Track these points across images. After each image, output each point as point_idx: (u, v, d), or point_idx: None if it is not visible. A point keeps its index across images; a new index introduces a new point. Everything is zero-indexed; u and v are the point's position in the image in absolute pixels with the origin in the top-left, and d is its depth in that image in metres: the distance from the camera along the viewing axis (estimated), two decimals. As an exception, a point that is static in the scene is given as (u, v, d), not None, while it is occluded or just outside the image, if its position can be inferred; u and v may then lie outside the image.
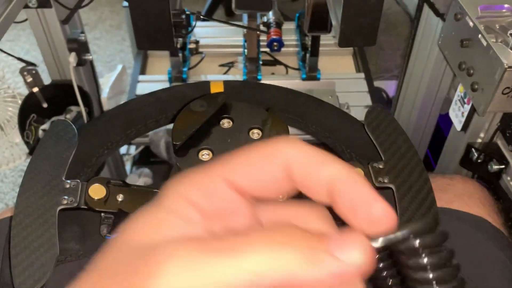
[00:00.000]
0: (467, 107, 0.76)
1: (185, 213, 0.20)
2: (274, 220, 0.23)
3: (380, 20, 0.66)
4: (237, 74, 1.30)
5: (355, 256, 0.18)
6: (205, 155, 0.41)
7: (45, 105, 0.91)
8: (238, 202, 0.21)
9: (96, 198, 0.42)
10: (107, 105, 1.05)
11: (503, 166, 0.78)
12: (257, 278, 0.17)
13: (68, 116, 0.90)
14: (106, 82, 1.10)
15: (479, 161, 0.80)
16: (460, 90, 0.76)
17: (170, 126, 0.61)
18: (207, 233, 0.20)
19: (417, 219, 0.42)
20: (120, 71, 1.14)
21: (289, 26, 1.37)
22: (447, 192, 0.58)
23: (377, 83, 1.61)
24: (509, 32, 0.58)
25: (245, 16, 1.29)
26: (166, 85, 1.23)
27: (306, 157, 0.22)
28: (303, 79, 1.24)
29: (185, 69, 1.24)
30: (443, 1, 0.83)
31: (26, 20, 0.86)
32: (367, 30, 0.67)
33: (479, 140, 0.80)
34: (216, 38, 1.35)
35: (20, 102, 0.91)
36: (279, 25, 1.26)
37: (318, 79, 1.23)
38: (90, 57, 0.93)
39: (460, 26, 0.62)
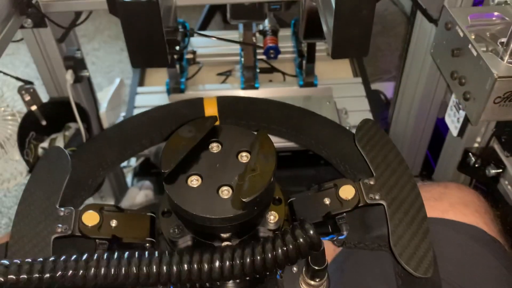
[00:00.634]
0: (463, 113, 0.76)
1: None
2: None
3: (371, 30, 0.66)
4: (235, 83, 1.31)
5: None
6: (194, 180, 0.41)
7: (43, 122, 0.92)
8: None
9: (89, 225, 0.42)
10: (105, 119, 1.05)
11: (500, 170, 0.78)
12: None
13: (66, 133, 0.91)
14: (104, 96, 1.11)
15: (476, 165, 0.81)
16: (455, 96, 0.76)
17: None
18: None
19: (409, 236, 0.42)
20: (118, 84, 1.15)
21: (285, 33, 1.37)
22: (442, 201, 0.59)
23: (375, 85, 1.61)
24: (499, 40, 0.58)
25: (241, 24, 1.29)
26: (165, 96, 1.24)
27: None
28: (301, 86, 1.24)
29: (183, 79, 1.24)
30: (436, 7, 0.83)
31: (22, 39, 0.87)
32: (359, 41, 0.67)
33: (476, 145, 0.81)
34: (213, 47, 1.36)
35: (19, 120, 0.92)
36: (275, 32, 1.26)
37: (316, 85, 1.23)
38: (87, 73, 0.93)
39: (451, 36, 0.62)
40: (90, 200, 1.18)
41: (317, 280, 0.43)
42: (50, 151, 0.48)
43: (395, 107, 1.14)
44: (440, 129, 1.11)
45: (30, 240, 0.41)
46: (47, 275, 0.31)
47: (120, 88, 1.16)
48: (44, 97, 0.95)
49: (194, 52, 1.32)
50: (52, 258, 0.33)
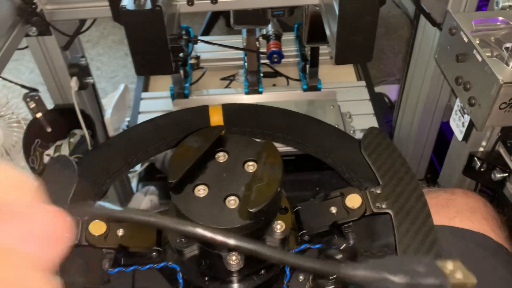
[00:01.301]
0: (467, 118, 0.76)
1: None
2: None
3: (375, 36, 0.66)
4: (238, 87, 1.31)
5: None
6: (201, 190, 0.41)
7: (49, 129, 0.92)
8: None
9: (96, 234, 0.42)
10: (110, 125, 1.06)
11: (506, 175, 0.77)
12: None
13: (72, 139, 0.91)
14: (109, 103, 1.11)
15: (482, 170, 0.80)
16: (459, 100, 0.76)
17: None
18: None
19: (416, 246, 0.42)
20: (122, 90, 1.15)
21: (289, 37, 1.37)
22: (449, 207, 0.58)
23: (379, 88, 1.61)
24: (504, 45, 0.58)
25: (244, 29, 1.29)
26: (169, 101, 1.24)
27: None
28: (304, 90, 1.24)
29: (187, 84, 1.25)
30: (439, 11, 0.83)
31: (27, 47, 0.87)
32: (363, 47, 0.67)
33: (481, 149, 0.80)
34: (217, 52, 1.36)
35: (24, 127, 0.93)
36: (278, 37, 1.26)
37: (319, 89, 1.23)
38: (92, 80, 0.94)
39: (455, 41, 0.62)
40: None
41: None
42: (56, 160, 0.49)
43: (399, 111, 1.14)
44: (445, 132, 1.11)
45: None
46: None
47: (125, 94, 1.16)
48: (49, 104, 0.95)
49: (198, 57, 1.33)
50: None
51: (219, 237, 0.24)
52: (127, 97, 1.19)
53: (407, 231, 0.43)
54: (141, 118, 1.24)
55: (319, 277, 0.44)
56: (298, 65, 1.34)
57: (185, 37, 0.71)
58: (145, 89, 1.34)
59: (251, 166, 0.43)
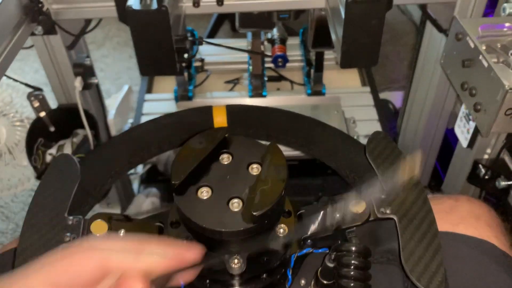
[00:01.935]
0: (473, 124, 0.76)
1: None
2: None
3: (381, 40, 0.66)
4: (242, 91, 1.31)
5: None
6: (204, 192, 0.41)
7: (52, 129, 0.92)
8: None
9: (98, 234, 0.42)
10: (113, 126, 1.06)
11: (510, 182, 0.77)
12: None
13: (74, 139, 0.91)
14: (112, 103, 1.11)
15: (486, 177, 0.80)
16: (464, 107, 0.76)
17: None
18: None
19: (420, 252, 0.42)
20: (126, 91, 1.16)
21: (294, 42, 1.37)
22: (453, 214, 0.58)
23: (384, 95, 1.61)
24: (510, 51, 0.58)
25: (249, 32, 1.29)
26: (173, 103, 1.24)
27: (121, 250, 0.31)
28: (308, 95, 1.24)
29: (190, 87, 1.25)
30: (446, 17, 0.83)
31: (32, 46, 0.87)
32: (369, 50, 0.67)
33: (486, 156, 0.80)
34: (221, 55, 1.36)
35: (28, 126, 0.93)
36: (283, 41, 1.26)
37: (323, 94, 1.23)
38: (96, 80, 0.94)
39: (461, 46, 0.62)
40: (96, 207, 1.18)
41: None
42: (59, 159, 0.48)
43: (404, 117, 1.14)
44: (449, 139, 1.10)
45: (38, 249, 0.41)
46: None
47: (128, 95, 1.16)
48: (53, 104, 0.95)
49: (202, 60, 1.33)
50: None
51: None
52: (130, 99, 1.19)
53: (411, 237, 0.42)
54: (145, 120, 1.24)
55: (321, 282, 0.44)
56: (303, 70, 1.34)
57: (190, 38, 0.71)
58: (149, 90, 1.34)
59: (255, 169, 0.42)
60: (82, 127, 0.91)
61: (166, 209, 0.57)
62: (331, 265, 0.42)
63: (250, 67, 1.24)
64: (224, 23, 1.87)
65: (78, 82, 0.88)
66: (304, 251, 0.45)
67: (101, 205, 1.19)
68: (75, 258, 0.31)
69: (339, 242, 0.42)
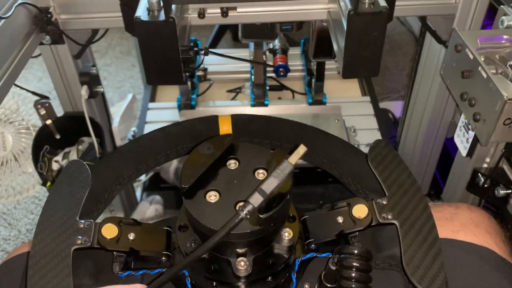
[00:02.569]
0: (472, 133, 0.77)
1: None
2: None
3: (382, 51, 0.68)
4: (244, 100, 1.33)
5: None
6: (212, 196, 0.42)
7: (58, 136, 0.93)
8: None
9: (108, 237, 0.43)
10: (118, 134, 1.07)
11: (510, 191, 0.78)
12: None
13: (80, 147, 0.93)
14: (117, 111, 1.13)
15: (485, 186, 0.81)
16: (464, 117, 0.77)
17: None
18: None
19: (421, 256, 0.43)
20: (130, 100, 1.17)
21: (295, 52, 1.39)
22: (453, 221, 0.59)
23: (383, 104, 1.62)
24: (508, 63, 0.59)
25: (251, 42, 1.31)
26: (176, 112, 1.26)
27: None
28: (309, 104, 1.25)
29: (193, 96, 1.26)
30: (445, 29, 0.85)
31: (39, 55, 0.89)
32: (370, 61, 0.68)
33: (485, 165, 0.81)
34: (224, 65, 1.38)
35: (34, 133, 0.94)
36: (285, 51, 1.28)
37: (324, 103, 1.25)
38: (101, 89, 0.95)
39: (460, 58, 0.63)
40: (101, 214, 1.19)
41: None
42: (71, 165, 0.50)
43: (404, 127, 1.15)
44: (449, 149, 1.12)
45: (51, 251, 0.42)
46: None
47: (132, 104, 1.18)
48: (59, 112, 0.97)
49: (205, 70, 1.35)
50: None
51: None
52: (134, 107, 1.21)
53: (412, 242, 0.44)
54: (148, 128, 1.26)
55: (324, 285, 0.45)
56: (304, 79, 1.36)
57: (195, 49, 0.73)
58: (152, 99, 1.36)
59: (261, 174, 0.44)
60: (88, 134, 0.93)
61: (171, 216, 0.58)
62: (334, 268, 0.43)
63: (252, 77, 1.25)
64: (226, 33, 1.89)
65: (84, 91, 0.90)
66: (308, 255, 0.47)
67: (104, 212, 1.20)
68: None
69: (346, 246, 0.43)
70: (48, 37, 0.81)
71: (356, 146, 1.18)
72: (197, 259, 0.39)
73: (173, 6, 0.67)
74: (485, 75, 0.58)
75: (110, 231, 0.43)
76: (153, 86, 1.39)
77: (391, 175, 0.49)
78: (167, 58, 0.68)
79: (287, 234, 0.45)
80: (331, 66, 1.35)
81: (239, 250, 0.43)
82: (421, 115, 1.04)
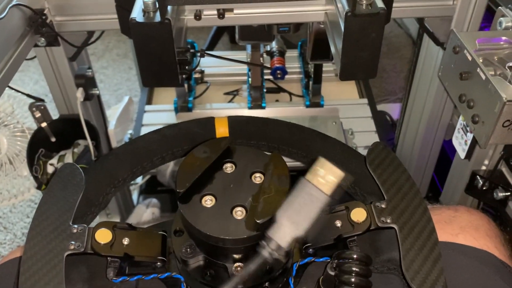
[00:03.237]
0: (470, 136, 0.77)
1: None
2: None
3: (380, 53, 0.67)
4: (241, 102, 1.32)
5: None
6: (208, 200, 0.41)
7: (53, 139, 0.92)
8: None
9: (102, 243, 0.42)
10: (114, 137, 1.06)
11: (508, 193, 0.77)
12: None
13: (75, 150, 0.92)
14: (113, 114, 1.12)
15: (484, 188, 0.80)
16: (462, 118, 0.77)
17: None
18: None
19: (421, 260, 0.42)
20: (126, 102, 1.16)
21: (293, 54, 1.39)
22: (452, 224, 0.58)
23: (381, 107, 1.62)
24: (507, 64, 0.59)
25: (249, 45, 1.31)
26: (172, 114, 1.25)
27: None
28: (307, 106, 1.25)
29: (190, 98, 1.26)
30: (443, 31, 0.85)
31: (34, 57, 0.88)
32: (368, 63, 0.68)
33: (484, 168, 0.81)
34: (221, 67, 1.38)
35: (29, 136, 0.93)
36: (282, 53, 1.28)
37: (322, 105, 1.25)
38: (97, 91, 0.95)
39: (459, 59, 0.63)
40: (96, 218, 1.18)
41: None
42: (64, 168, 0.49)
43: (402, 129, 1.15)
44: (447, 151, 1.12)
45: (43, 257, 0.41)
46: None
47: (129, 106, 1.17)
48: (54, 114, 0.96)
49: (202, 72, 1.34)
50: None
51: None
52: (131, 109, 1.20)
53: (411, 246, 0.43)
54: (144, 131, 1.25)
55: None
56: (301, 82, 1.35)
57: (192, 51, 0.72)
58: (149, 102, 1.35)
59: (258, 178, 0.43)
60: (83, 137, 0.92)
61: (168, 219, 0.57)
62: (332, 273, 0.42)
63: (250, 79, 1.25)
64: (223, 35, 1.89)
65: (79, 93, 0.89)
66: (306, 260, 0.46)
67: (100, 216, 1.19)
68: None
69: (345, 251, 0.43)
70: (43, 39, 0.80)
71: (354, 148, 1.17)
72: None
73: (169, 8, 0.66)
74: (483, 77, 0.57)
75: (104, 236, 0.43)
76: (149, 89, 1.38)
77: (390, 178, 0.48)
78: (163, 60, 0.67)
79: None
80: (329, 68, 1.34)
81: (236, 256, 0.42)
82: (419, 118, 1.04)
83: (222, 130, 0.64)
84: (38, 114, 0.89)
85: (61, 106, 0.94)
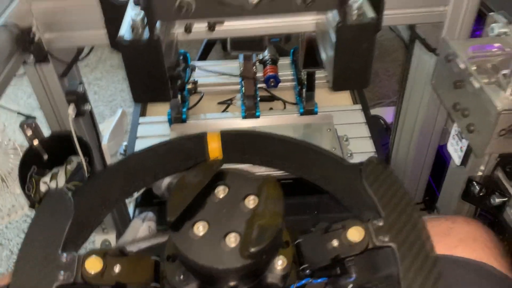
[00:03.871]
0: (465, 142, 0.76)
1: None
2: None
3: (372, 63, 0.67)
4: (235, 111, 1.31)
5: None
6: (200, 227, 0.40)
7: (45, 156, 0.91)
8: None
9: (92, 272, 0.41)
10: (107, 151, 1.05)
11: (505, 199, 0.77)
12: None
13: (68, 166, 0.90)
14: (106, 128, 1.11)
15: (481, 194, 0.80)
16: (457, 126, 0.76)
17: None
18: None
19: (420, 281, 0.41)
20: (119, 115, 1.15)
21: (285, 61, 1.39)
22: (450, 235, 0.58)
23: (375, 111, 1.62)
24: (501, 72, 0.59)
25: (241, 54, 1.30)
26: (166, 126, 1.24)
27: None
28: (301, 114, 1.24)
29: (184, 109, 1.25)
30: (435, 37, 0.84)
31: (24, 74, 0.87)
32: (360, 73, 0.67)
33: (480, 173, 0.80)
34: (214, 77, 1.37)
35: (21, 154, 0.92)
36: (274, 61, 1.27)
37: (316, 112, 1.24)
38: (89, 107, 0.94)
39: (452, 68, 0.62)
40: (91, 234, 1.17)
41: None
42: (52, 194, 0.48)
43: (396, 135, 1.14)
44: (443, 155, 1.11)
45: None
46: None
47: (122, 119, 1.16)
48: (46, 130, 0.95)
49: (195, 82, 1.33)
50: None
51: None
52: (124, 122, 1.19)
53: (411, 265, 0.42)
54: (139, 143, 1.24)
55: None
56: (295, 89, 1.34)
57: (183, 65, 0.71)
58: (143, 113, 1.34)
59: (251, 201, 0.42)
60: (76, 153, 0.91)
61: (163, 238, 0.56)
62: None
63: (243, 89, 1.24)
64: (216, 43, 1.88)
65: (71, 110, 0.88)
66: (303, 281, 0.45)
67: (96, 231, 1.17)
68: None
69: (338, 271, 0.42)
70: (32, 56, 0.79)
71: (349, 155, 1.17)
72: None
73: (158, 23, 0.65)
74: (477, 85, 0.57)
75: (94, 264, 0.42)
76: (143, 101, 1.37)
77: (386, 194, 0.48)
78: (153, 76, 0.66)
79: (280, 262, 0.43)
80: (322, 75, 1.34)
81: (231, 283, 0.41)
82: (413, 123, 1.03)
83: (214, 145, 0.63)
84: (29, 132, 0.88)
85: (53, 122, 0.93)
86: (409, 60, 0.98)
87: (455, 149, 0.79)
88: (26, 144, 0.94)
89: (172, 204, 0.40)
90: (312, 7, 0.57)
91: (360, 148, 1.18)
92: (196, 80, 1.33)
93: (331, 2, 0.58)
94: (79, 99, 0.89)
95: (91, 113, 1.00)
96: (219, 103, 1.35)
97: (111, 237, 1.17)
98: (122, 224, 1.17)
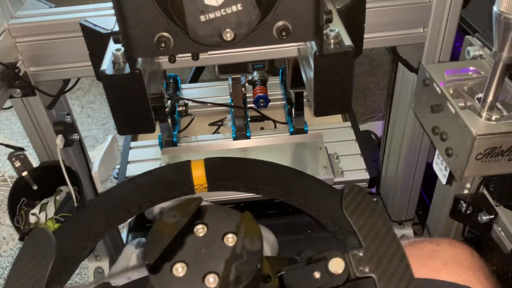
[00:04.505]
0: (450, 162, 0.77)
1: None
2: None
3: (352, 89, 0.68)
4: (227, 132, 1.32)
5: None
6: (179, 268, 0.40)
7: (34, 187, 0.92)
8: None
9: None
10: (97, 179, 1.05)
11: (492, 217, 0.77)
12: None
13: (58, 197, 0.91)
14: (97, 155, 1.11)
15: (468, 212, 0.80)
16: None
17: None
18: None
19: None
20: (110, 141, 1.16)
21: (275, 81, 1.40)
22: (434, 259, 0.58)
23: (366, 125, 1.63)
24: (476, 96, 0.59)
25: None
26: (157, 150, 1.25)
27: None
28: (291, 133, 1.25)
29: (175, 132, 1.25)
30: (416, 57, 0.85)
31: (11, 107, 0.88)
32: (340, 99, 0.68)
33: (466, 191, 0.81)
34: (205, 98, 1.38)
35: (11, 185, 0.92)
36: (264, 82, 1.29)
37: (306, 131, 1.25)
38: (77, 136, 0.94)
39: (429, 92, 0.63)
40: (85, 261, 1.17)
41: None
42: (34, 234, 0.48)
43: (385, 150, 1.15)
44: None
45: None
46: None
47: (113, 145, 1.16)
48: (35, 161, 0.95)
49: (185, 105, 1.34)
50: None
51: None
52: (115, 148, 1.19)
53: None
54: (130, 167, 1.25)
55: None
56: (285, 108, 1.35)
57: (166, 97, 0.72)
58: (134, 138, 1.34)
59: (230, 239, 0.42)
60: (66, 183, 0.91)
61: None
62: None
63: (233, 110, 1.25)
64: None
65: (59, 140, 0.88)
66: (285, 315, 0.45)
67: (89, 258, 1.17)
68: None
69: None
70: (18, 90, 0.80)
71: (340, 173, 1.17)
72: None
73: (139, 57, 0.66)
74: (453, 110, 0.58)
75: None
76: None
77: (366, 223, 0.48)
78: (137, 108, 0.67)
79: None
80: (311, 93, 1.35)
81: None
82: (400, 140, 1.04)
83: (198, 173, 0.63)
84: (18, 164, 0.89)
85: (41, 153, 0.93)
86: (394, 78, 0.99)
87: (440, 168, 0.80)
88: (15, 175, 0.95)
89: (149, 246, 0.41)
90: (287, 40, 0.58)
91: (351, 165, 1.19)
92: (186, 102, 1.34)
93: (307, 34, 0.59)
94: (67, 129, 0.89)
95: (80, 142, 1.00)
96: (210, 124, 1.36)
97: (104, 264, 1.16)
98: (115, 250, 1.17)
